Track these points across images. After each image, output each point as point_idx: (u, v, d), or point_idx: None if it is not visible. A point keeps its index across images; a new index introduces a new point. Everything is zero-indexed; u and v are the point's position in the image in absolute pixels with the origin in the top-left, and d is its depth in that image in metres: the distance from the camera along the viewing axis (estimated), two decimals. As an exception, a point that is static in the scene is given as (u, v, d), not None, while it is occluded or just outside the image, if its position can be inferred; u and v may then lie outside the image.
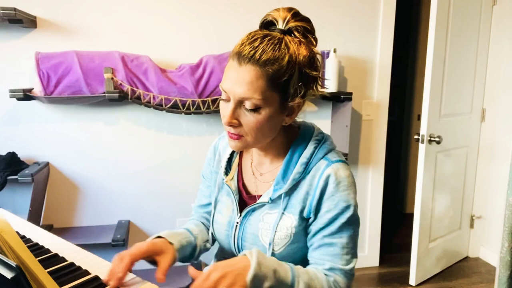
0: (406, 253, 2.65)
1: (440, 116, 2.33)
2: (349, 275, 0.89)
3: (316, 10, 2.29)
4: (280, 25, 0.85)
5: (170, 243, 0.91)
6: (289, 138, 0.95)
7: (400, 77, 3.57)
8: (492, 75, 2.59)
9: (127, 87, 1.95)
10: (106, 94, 1.91)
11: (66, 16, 2.01)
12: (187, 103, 2.01)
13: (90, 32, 2.05)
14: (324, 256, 0.88)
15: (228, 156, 1.01)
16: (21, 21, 1.81)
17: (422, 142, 2.25)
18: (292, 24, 0.84)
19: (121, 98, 1.95)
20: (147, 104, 1.99)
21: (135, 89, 1.97)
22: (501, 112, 2.56)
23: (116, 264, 0.82)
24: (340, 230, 0.88)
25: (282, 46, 0.81)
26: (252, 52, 0.79)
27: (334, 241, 0.88)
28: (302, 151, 0.91)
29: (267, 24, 0.87)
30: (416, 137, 2.30)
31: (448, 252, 2.63)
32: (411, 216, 2.62)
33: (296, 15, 0.86)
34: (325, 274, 0.87)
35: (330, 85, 2.21)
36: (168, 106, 2.00)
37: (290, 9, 0.86)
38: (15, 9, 1.72)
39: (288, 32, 0.85)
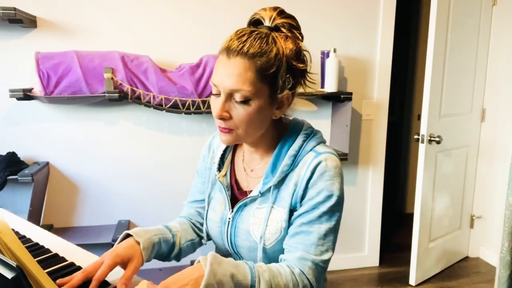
0: (406, 253, 2.64)
1: (440, 116, 2.33)
2: (320, 267, 0.86)
3: (317, 10, 2.29)
4: (267, 23, 0.88)
5: (137, 242, 0.88)
6: (279, 133, 0.96)
7: (400, 77, 3.57)
8: (492, 74, 2.59)
9: (127, 87, 1.95)
10: (106, 94, 1.91)
11: (66, 16, 2.01)
12: (187, 103, 2.01)
13: (90, 32, 2.05)
14: (298, 245, 0.86)
15: (221, 152, 1.02)
16: (21, 21, 1.81)
17: (422, 142, 2.25)
18: (278, 21, 0.88)
19: (121, 98, 1.95)
20: (147, 104, 1.99)
21: (135, 89, 1.97)
22: (501, 112, 2.56)
23: (79, 277, 0.79)
24: (319, 219, 0.87)
25: (269, 40, 0.84)
26: (241, 45, 0.82)
27: (311, 230, 0.86)
28: (291, 144, 0.92)
29: (255, 23, 0.91)
30: (416, 137, 2.30)
31: (448, 252, 2.63)
32: (411, 216, 2.62)
33: (281, 13, 0.89)
34: (289, 266, 0.84)
35: (330, 85, 2.21)
36: (168, 106, 2.00)
37: (275, 8, 0.90)
38: (15, 9, 1.72)
39: (275, 29, 0.88)
